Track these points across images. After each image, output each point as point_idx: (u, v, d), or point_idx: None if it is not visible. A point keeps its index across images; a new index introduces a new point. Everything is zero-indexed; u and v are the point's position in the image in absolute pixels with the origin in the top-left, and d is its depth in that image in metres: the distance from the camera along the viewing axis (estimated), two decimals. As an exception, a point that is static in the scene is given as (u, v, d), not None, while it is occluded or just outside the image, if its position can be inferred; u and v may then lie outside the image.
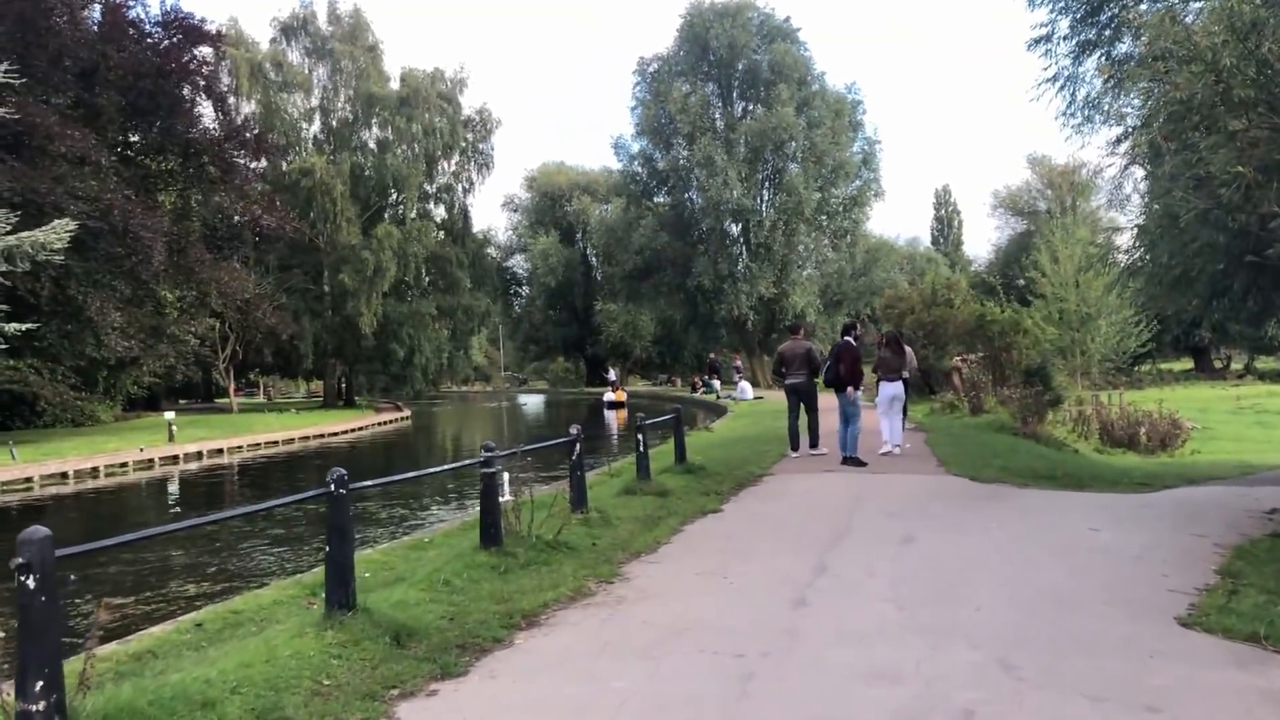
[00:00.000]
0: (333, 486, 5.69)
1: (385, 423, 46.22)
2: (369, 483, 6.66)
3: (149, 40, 33.45)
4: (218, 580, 11.17)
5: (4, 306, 21.66)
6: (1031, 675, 4.90)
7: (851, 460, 13.83)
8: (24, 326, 21.58)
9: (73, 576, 11.32)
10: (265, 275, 48.18)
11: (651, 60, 61.96)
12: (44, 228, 20.82)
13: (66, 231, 20.76)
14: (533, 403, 75.92)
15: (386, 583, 7.34)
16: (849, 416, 14.21)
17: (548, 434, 39.78)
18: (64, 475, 23.24)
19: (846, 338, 14.95)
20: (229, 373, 52.98)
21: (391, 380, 60.03)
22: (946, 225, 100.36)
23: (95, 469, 24.22)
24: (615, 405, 51.53)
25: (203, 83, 33.79)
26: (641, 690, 4.81)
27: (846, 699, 4.62)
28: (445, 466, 8.50)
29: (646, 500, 10.84)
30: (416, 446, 37.15)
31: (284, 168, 52.59)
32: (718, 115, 60.62)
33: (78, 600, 10.03)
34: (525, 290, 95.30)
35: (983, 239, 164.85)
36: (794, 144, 57.83)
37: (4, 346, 21.24)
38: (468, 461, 8.61)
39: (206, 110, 37.01)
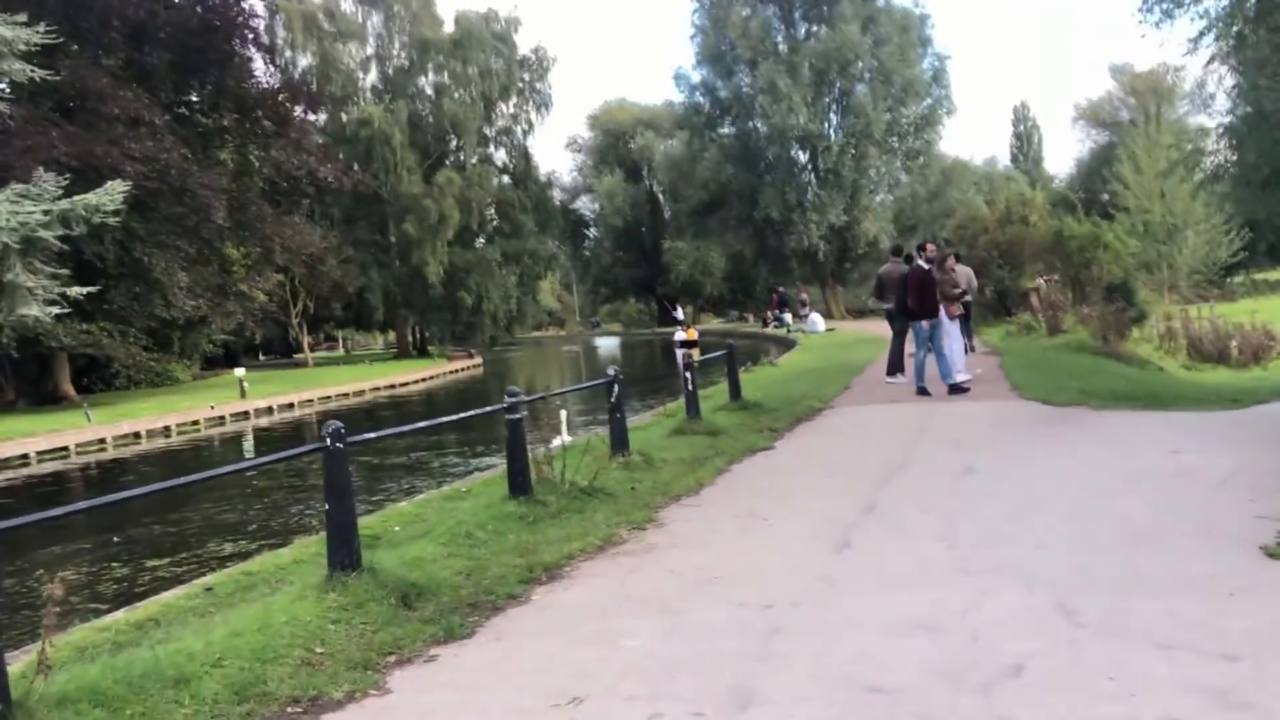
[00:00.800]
0: (328, 441, 5.30)
1: (456, 371, 46.40)
2: (369, 435, 6.25)
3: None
4: (257, 538, 11.01)
5: (65, 271, 21.89)
6: (1093, 621, 4.34)
7: (921, 391, 13.16)
8: (86, 290, 21.80)
9: (115, 539, 11.37)
10: (330, 229, 48.43)
11: (709, -15, 60.24)
12: (97, 190, 20.86)
13: (119, 193, 20.76)
14: (606, 345, 75.72)
15: (414, 536, 7.00)
16: (918, 344, 13.48)
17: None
18: (137, 435, 23.61)
19: (916, 261, 14.00)
20: (302, 327, 53.66)
21: (464, 329, 60.30)
22: (1025, 142, 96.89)
23: (167, 428, 24.58)
24: (688, 344, 51.00)
25: (251, 36, 33.57)
26: (653, 651, 4.37)
27: (879, 656, 4.12)
28: (462, 415, 8.04)
29: (695, 440, 10.36)
30: (486, 392, 37.07)
31: (344, 120, 52.62)
32: (780, 39, 58.76)
33: (114, 564, 9.97)
34: (593, 232, 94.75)
35: (1065, 155, 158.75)
36: (860, 64, 55.98)
37: (66, 311, 21.46)
38: (491, 408, 8.19)
39: (259, 65, 37.03)
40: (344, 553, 5.32)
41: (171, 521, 11.93)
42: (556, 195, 79.43)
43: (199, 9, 32.44)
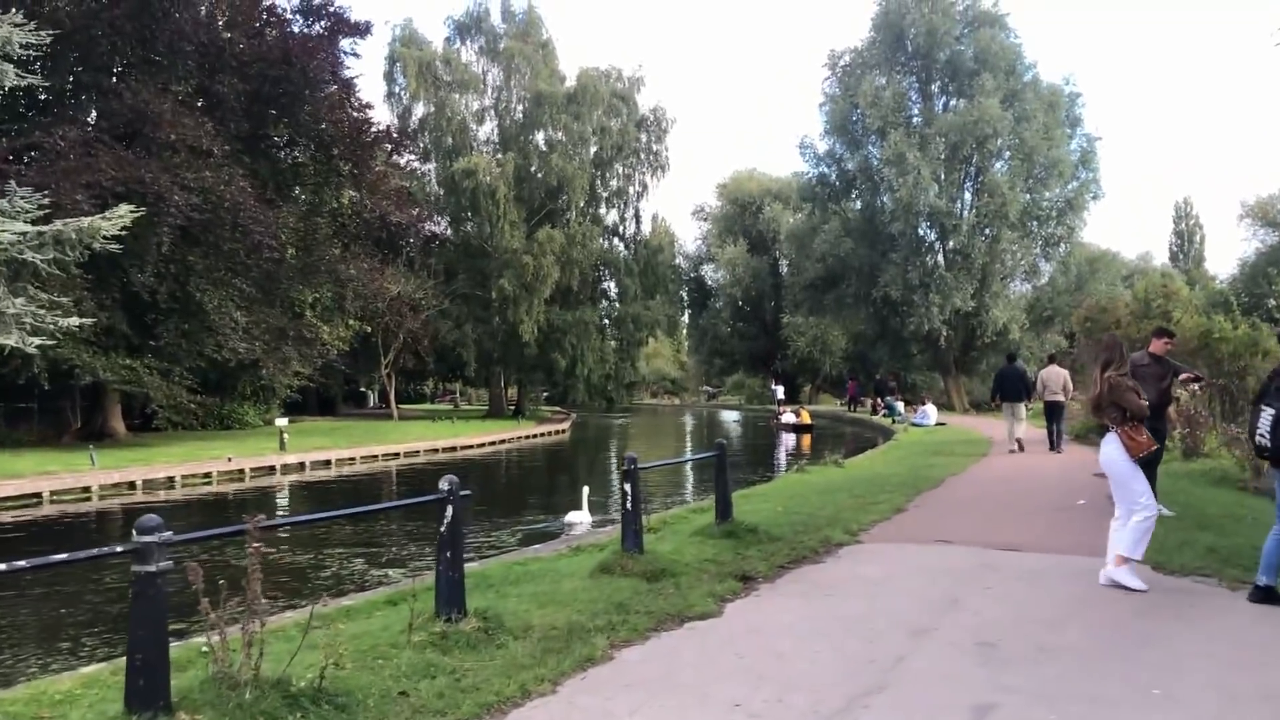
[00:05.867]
0: None
1: (536, 435, 43.68)
2: None
3: (288, 29, 32.08)
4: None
5: (65, 299, 20.07)
6: None
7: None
8: (80, 321, 19.89)
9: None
10: (427, 279, 46.78)
11: (843, 54, 57.21)
12: (102, 214, 19.01)
13: (122, 218, 18.86)
14: (719, 420, 72.13)
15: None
16: None
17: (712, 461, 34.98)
18: (132, 485, 21.44)
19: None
20: (390, 378, 52.18)
21: (559, 390, 58.09)
22: (1187, 240, 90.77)
23: (171, 479, 22.38)
24: (800, 429, 47.01)
25: (330, 72, 31.90)
26: None
27: None
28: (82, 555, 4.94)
29: (615, 588, 7.12)
30: (560, 463, 34.13)
31: (451, 168, 51.42)
32: (915, 110, 55.15)
33: None
34: (717, 302, 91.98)
35: (1227, 255, 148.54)
36: (999, 140, 51.84)
37: (50, 342, 19.45)
38: (101, 550, 5.07)
39: (376, 110, 35.61)
40: None
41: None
42: (680, 263, 77.05)
43: (287, 41, 31.03)
